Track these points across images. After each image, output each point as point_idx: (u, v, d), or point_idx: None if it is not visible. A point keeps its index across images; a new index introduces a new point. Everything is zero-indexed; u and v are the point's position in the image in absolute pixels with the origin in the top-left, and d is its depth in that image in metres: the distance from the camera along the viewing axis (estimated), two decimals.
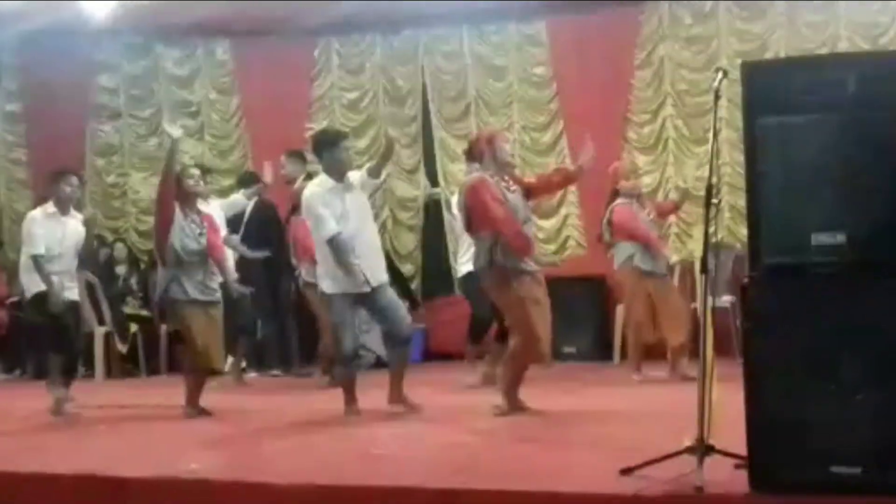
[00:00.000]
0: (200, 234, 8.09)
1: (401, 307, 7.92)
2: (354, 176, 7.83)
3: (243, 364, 10.93)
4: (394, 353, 7.95)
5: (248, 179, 11.25)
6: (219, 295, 8.18)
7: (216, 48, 13.83)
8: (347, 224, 7.63)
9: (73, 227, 8.64)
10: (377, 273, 7.74)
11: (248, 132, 13.62)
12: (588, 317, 11.73)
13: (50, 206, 8.60)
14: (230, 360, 10.25)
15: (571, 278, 11.78)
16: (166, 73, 13.99)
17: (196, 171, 8.38)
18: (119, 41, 13.83)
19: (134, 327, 11.88)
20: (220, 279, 8.24)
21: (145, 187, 13.72)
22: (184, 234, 8.01)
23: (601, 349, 11.55)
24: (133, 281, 12.40)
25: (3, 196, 14.35)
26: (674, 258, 10.91)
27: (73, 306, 8.66)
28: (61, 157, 13.32)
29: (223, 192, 11.84)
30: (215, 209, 9.82)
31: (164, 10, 12.45)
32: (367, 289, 7.62)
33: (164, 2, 12.15)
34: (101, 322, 11.61)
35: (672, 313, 9.36)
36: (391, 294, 7.90)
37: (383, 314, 7.79)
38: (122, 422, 7.95)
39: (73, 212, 8.68)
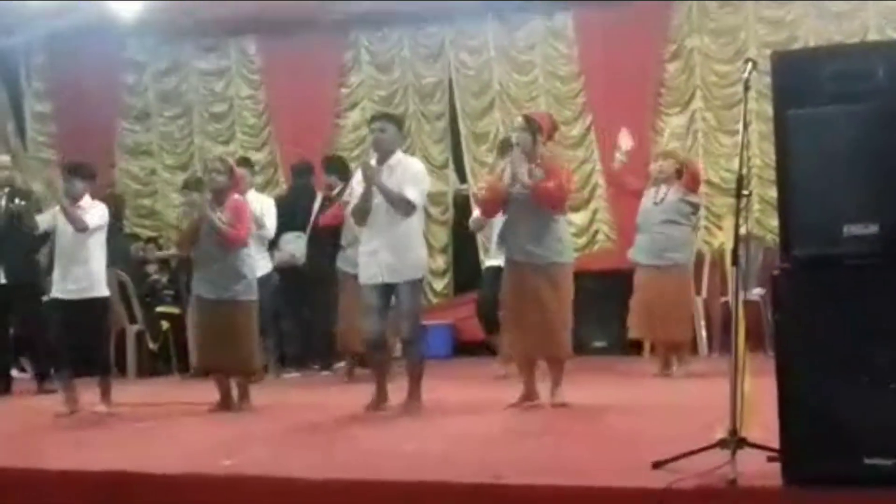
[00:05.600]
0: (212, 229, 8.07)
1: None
2: (408, 164, 7.76)
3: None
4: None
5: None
6: (232, 294, 8.03)
7: (245, 46, 13.86)
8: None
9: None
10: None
11: (277, 129, 13.65)
12: (618, 311, 11.64)
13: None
14: None
15: (602, 272, 11.75)
16: (195, 71, 14.03)
17: (218, 165, 8.31)
18: (147, 40, 13.88)
19: (165, 325, 11.90)
20: (245, 276, 8.13)
21: (175, 186, 13.79)
22: (201, 228, 8.09)
23: (633, 343, 11.50)
24: (164, 279, 12.44)
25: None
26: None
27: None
28: (91, 156, 13.38)
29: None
30: (266, 203, 9.97)
31: (192, 8, 12.52)
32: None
33: (193, 1, 12.20)
34: (133, 320, 11.65)
35: (651, 309, 9.34)
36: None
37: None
38: (155, 419, 7.96)
39: (82, 203, 8.47)
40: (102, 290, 8.49)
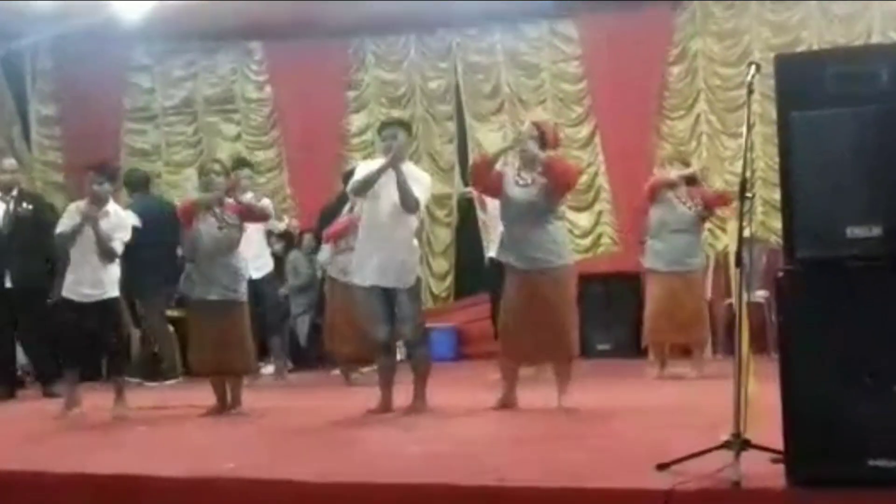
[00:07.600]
0: (220, 228, 7.93)
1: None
2: (413, 171, 7.72)
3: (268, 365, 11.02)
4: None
5: None
6: (236, 296, 7.92)
7: (252, 48, 13.90)
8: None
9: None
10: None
11: (284, 133, 13.68)
12: (623, 313, 11.68)
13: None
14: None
15: (607, 274, 11.77)
16: (202, 73, 14.06)
17: (216, 167, 8.21)
18: (154, 42, 13.90)
19: (170, 329, 11.88)
20: (244, 278, 8.05)
21: (182, 189, 13.81)
22: (200, 228, 7.91)
23: (637, 345, 11.50)
24: None
25: None
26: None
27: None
28: (97, 159, 13.42)
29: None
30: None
31: (199, 11, 12.52)
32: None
33: (199, 3, 12.21)
34: (137, 324, 11.64)
35: (660, 313, 9.39)
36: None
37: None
38: (159, 422, 7.97)
39: (107, 208, 8.29)
40: (116, 291, 8.40)
